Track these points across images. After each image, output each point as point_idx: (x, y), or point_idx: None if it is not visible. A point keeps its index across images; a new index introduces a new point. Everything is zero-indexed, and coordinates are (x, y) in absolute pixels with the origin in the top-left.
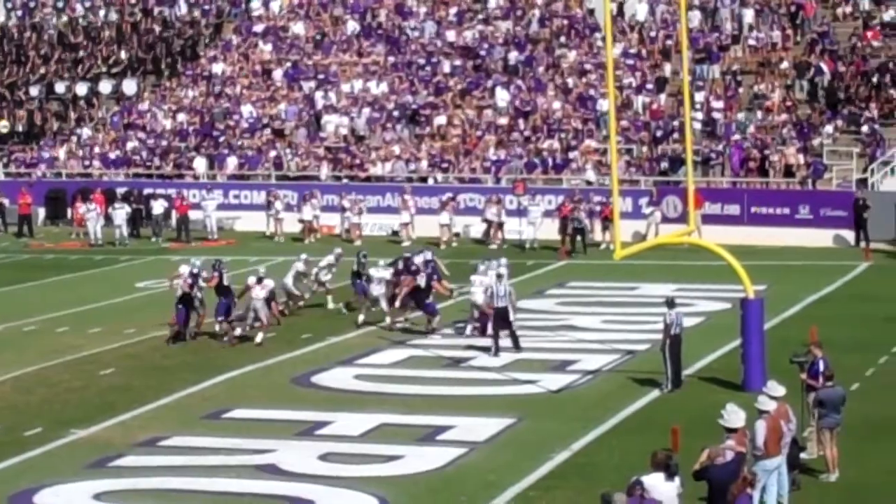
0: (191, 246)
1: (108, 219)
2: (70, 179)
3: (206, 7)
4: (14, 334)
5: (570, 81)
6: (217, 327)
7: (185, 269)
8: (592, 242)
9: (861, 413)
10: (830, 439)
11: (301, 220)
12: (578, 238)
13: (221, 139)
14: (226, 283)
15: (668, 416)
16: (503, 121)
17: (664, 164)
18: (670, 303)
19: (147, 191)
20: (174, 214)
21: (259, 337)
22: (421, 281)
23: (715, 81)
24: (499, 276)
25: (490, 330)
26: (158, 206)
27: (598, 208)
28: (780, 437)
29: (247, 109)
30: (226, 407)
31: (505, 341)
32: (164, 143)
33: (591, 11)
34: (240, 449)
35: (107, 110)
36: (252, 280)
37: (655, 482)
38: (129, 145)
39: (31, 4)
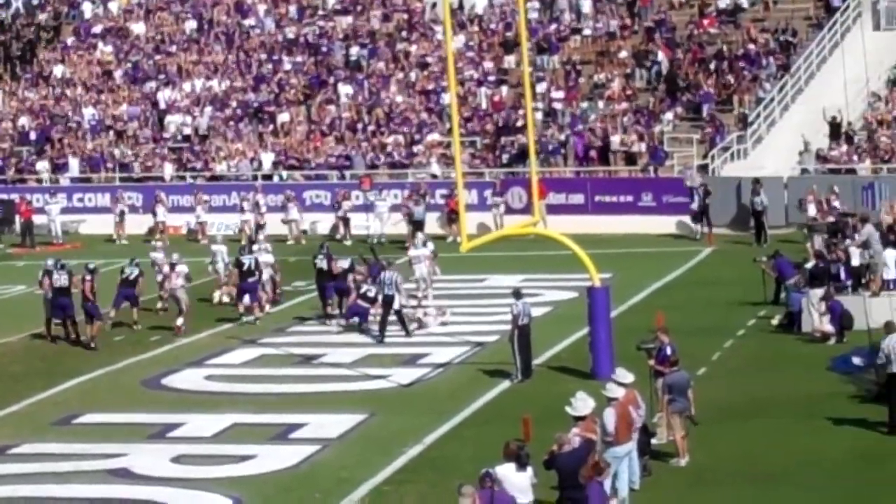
0: (36, 251)
1: None
2: None
3: (44, 7)
4: None
5: (413, 75)
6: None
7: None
8: (438, 235)
9: (708, 397)
10: (680, 424)
11: (155, 220)
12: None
13: (64, 141)
14: (62, 284)
15: (519, 407)
16: (347, 115)
17: (508, 156)
18: (517, 293)
19: None
20: (18, 219)
21: (180, 320)
22: (322, 264)
23: (555, 72)
24: (389, 264)
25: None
26: None
27: (442, 201)
28: (629, 423)
29: (88, 111)
30: (76, 412)
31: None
32: (6, 146)
33: (433, 5)
34: (91, 454)
35: None
36: (166, 269)
37: (507, 472)
38: None
39: None
